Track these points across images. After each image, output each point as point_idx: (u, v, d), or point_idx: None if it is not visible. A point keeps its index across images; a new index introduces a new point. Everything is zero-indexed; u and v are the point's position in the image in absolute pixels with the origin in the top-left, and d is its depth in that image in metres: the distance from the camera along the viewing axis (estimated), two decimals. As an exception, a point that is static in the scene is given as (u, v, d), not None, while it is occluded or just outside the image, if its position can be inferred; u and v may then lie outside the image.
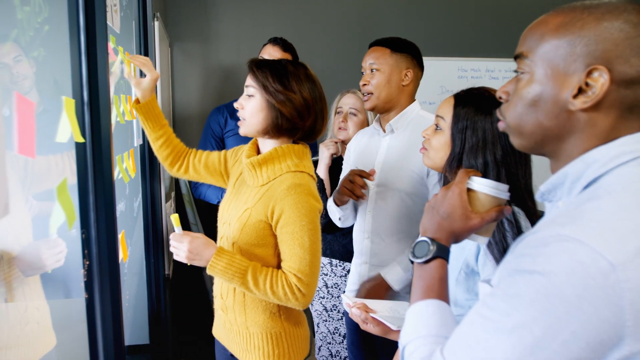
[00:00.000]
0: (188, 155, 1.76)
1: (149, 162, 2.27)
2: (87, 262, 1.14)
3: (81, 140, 1.08)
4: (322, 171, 2.26)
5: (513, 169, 1.29)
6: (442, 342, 0.80)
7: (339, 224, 2.06)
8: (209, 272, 1.41)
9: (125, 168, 1.76)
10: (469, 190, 0.98)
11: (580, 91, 0.74)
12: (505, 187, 0.98)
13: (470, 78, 3.73)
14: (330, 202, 2.02)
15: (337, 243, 2.28)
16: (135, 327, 2.36)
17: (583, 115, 0.74)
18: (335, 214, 2.02)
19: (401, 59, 1.90)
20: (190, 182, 2.94)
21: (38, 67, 1.27)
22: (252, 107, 1.49)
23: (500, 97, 0.85)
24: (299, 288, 1.39)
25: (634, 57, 0.71)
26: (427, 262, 0.93)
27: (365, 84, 1.91)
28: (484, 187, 0.97)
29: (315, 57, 3.51)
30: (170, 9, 3.40)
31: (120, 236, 1.44)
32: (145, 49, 2.26)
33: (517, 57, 0.82)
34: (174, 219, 1.46)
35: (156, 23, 2.41)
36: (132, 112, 1.77)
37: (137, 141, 2.15)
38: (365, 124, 2.28)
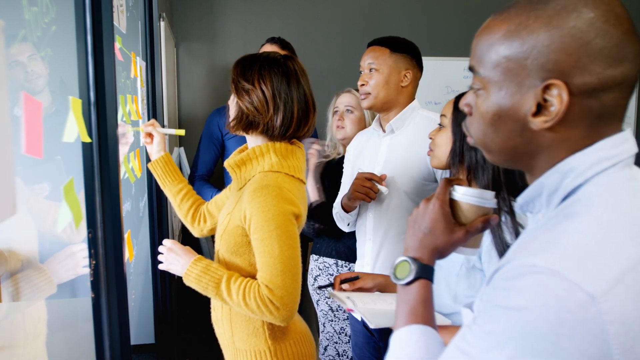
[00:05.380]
0: (202, 205, 1.69)
1: (154, 162, 2.27)
2: (94, 262, 1.15)
3: (88, 140, 1.09)
4: (309, 181, 2.26)
5: None
6: None
7: (346, 230, 2.05)
8: (184, 281, 1.36)
9: (131, 168, 1.76)
10: (452, 201, 0.91)
11: (540, 108, 0.66)
12: (490, 194, 0.91)
13: (476, 78, 3.72)
14: (338, 209, 2.00)
15: (342, 244, 2.28)
16: (140, 326, 2.37)
17: (548, 133, 0.67)
18: (344, 220, 2.01)
19: (400, 59, 1.87)
20: (187, 179, 2.92)
21: (47, 67, 1.27)
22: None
23: (463, 110, 0.79)
24: (271, 301, 1.26)
25: (592, 64, 0.63)
26: (409, 283, 0.86)
27: (363, 84, 1.88)
28: (467, 196, 0.90)
29: (320, 57, 3.51)
30: (176, 9, 3.41)
31: (126, 236, 1.44)
32: (151, 49, 2.26)
33: (470, 69, 0.75)
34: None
35: (162, 23, 2.42)
36: (137, 112, 1.78)
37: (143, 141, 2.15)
38: (362, 120, 2.28)
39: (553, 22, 0.64)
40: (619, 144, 0.67)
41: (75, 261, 1.26)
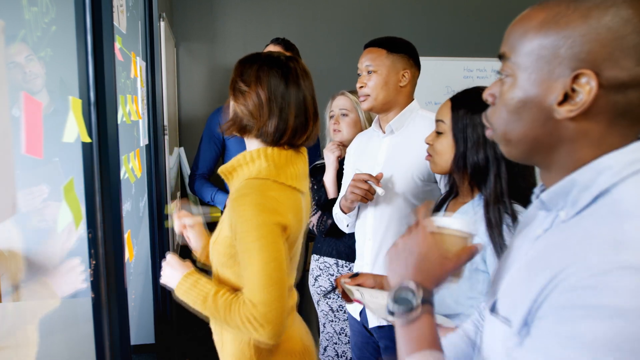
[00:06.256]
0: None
1: (154, 162, 2.28)
2: (94, 262, 1.15)
3: (88, 140, 1.09)
4: (330, 177, 2.24)
5: (514, 163, 1.30)
6: None
7: (346, 231, 2.05)
8: (176, 294, 1.31)
9: (131, 168, 1.76)
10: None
11: (567, 98, 0.66)
12: (470, 222, 0.88)
13: (476, 78, 3.72)
14: (337, 210, 2.00)
15: (342, 244, 2.28)
16: (140, 326, 2.37)
17: (571, 124, 0.67)
18: (343, 221, 2.00)
19: (398, 59, 1.86)
20: (188, 178, 2.92)
21: (46, 67, 1.28)
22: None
23: (486, 100, 0.78)
24: (255, 317, 1.17)
25: (624, 58, 0.63)
26: (413, 310, 0.80)
27: (362, 86, 1.88)
28: (450, 225, 0.86)
29: (320, 57, 3.51)
30: (176, 9, 3.41)
31: (126, 236, 1.44)
32: (151, 49, 2.26)
33: (500, 57, 0.75)
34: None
35: (162, 23, 2.42)
36: (137, 112, 1.77)
37: (143, 141, 2.16)
38: (358, 122, 2.28)
39: (592, 13, 0.65)
40: None
41: (76, 275, 1.26)
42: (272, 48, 2.57)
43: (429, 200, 0.92)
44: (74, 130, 1.01)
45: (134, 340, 2.33)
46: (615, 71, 0.64)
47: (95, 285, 1.16)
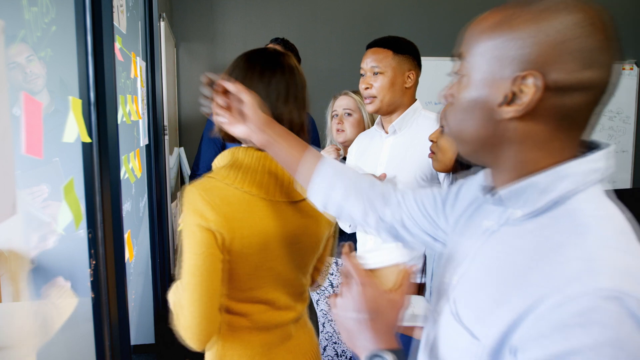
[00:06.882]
0: None
1: (154, 162, 2.28)
2: (94, 262, 1.15)
3: (88, 140, 1.09)
4: None
5: None
6: None
7: (348, 231, 2.04)
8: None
9: (131, 168, 1.76)
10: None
11: (513, 99, 0.67)
12: (393, 247, 0.83)
13: (476, 78, 3.72)
14: None
15: (342, 242, 2.28)
16: (140, 326, 2.37)
17: (518, 125, 0.68)
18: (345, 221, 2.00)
19: (404, 60, 1.85)
20: (189, 178, 2.93)
21: (46, 67, 1.28)
22: None
23: (445, 100, 0.78)
24: (178, 319, 1.11)
25: (571, 61, 0.64)
26: None
27: (367, 87, 1.85)
28: (380, 263, 0.81)
29: (320, 58, 3.51)
30: (176, 10, 3.41)
31: (126, 236, 1.44)
32: (151, 49, 2.27)
33: (457, 57, 0.76)
34: None
35: (162, 23, 2.42)
36: (137, 112, 1.77)
37: (143, 141, 2.16)
38: (361, 122, 2.27)
39: (543, 15, 0.66)
40: (610, 157, 0.70)
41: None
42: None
43: (349, 243, 0.86)
44: (74, 130, 1.01)
45: (134, 340, 2.34)
46: (561, 74, 0.65)
47: (95, 285, 1.16)
